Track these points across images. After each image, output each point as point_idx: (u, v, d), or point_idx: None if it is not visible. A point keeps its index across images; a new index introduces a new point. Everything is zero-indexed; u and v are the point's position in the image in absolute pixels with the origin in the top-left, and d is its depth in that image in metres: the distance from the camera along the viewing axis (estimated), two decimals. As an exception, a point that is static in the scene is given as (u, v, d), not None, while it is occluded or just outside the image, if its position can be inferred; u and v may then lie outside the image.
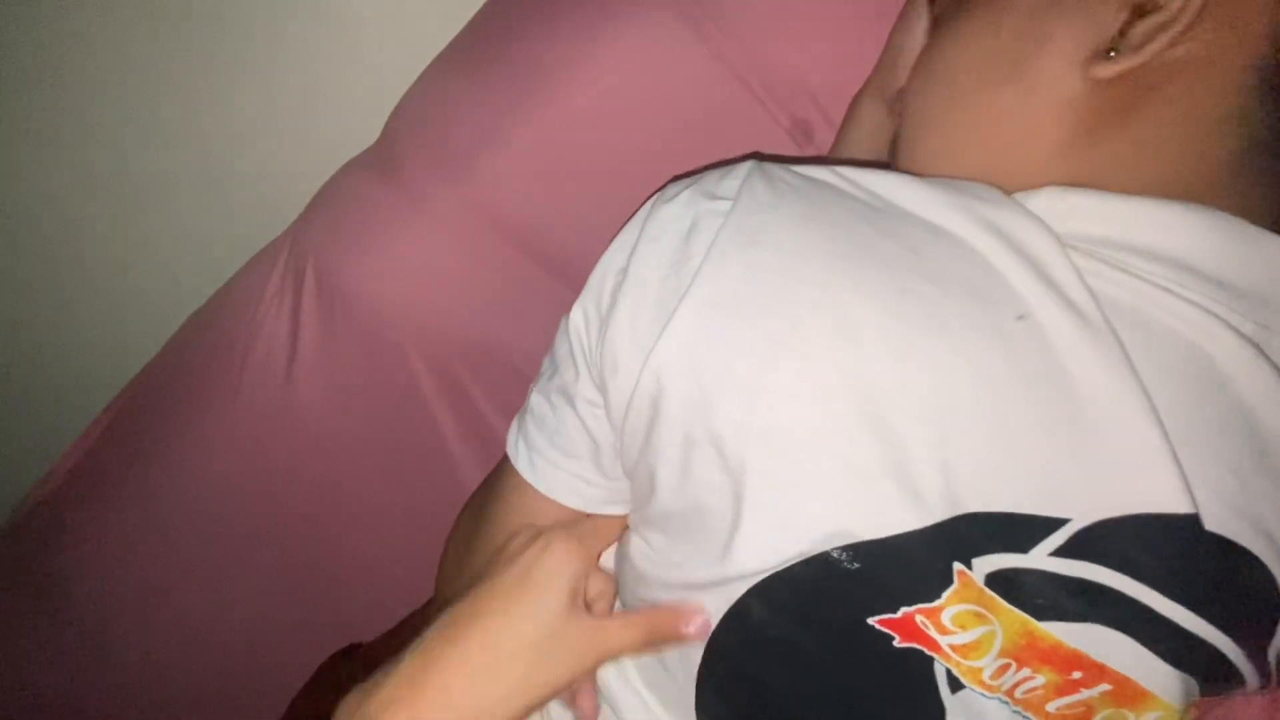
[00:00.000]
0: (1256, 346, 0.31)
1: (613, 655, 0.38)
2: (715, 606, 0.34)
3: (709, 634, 0.35)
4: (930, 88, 0.39)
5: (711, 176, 0.36)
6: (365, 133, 0.65)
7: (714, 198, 0.35)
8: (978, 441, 0.31)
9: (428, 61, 0.63)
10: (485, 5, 0.61)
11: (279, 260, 0.67)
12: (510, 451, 0.43)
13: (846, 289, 0.31)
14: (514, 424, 0.43)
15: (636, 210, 0.37)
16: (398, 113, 0.64)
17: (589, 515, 0.41)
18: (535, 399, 0.42)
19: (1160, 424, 0.30)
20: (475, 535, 0.46)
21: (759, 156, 0.37)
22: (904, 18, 0.46)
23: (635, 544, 0.39)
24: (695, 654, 0.36)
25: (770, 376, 0.32)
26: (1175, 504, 0.30)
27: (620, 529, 0.42)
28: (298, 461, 0.65)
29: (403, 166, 0.62)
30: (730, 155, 0.53)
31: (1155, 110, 0.32)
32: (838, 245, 0.32)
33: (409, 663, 0.35)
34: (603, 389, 0.37)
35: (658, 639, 0.37)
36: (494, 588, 0.37)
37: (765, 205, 0.33)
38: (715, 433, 0.32)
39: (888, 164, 0.39)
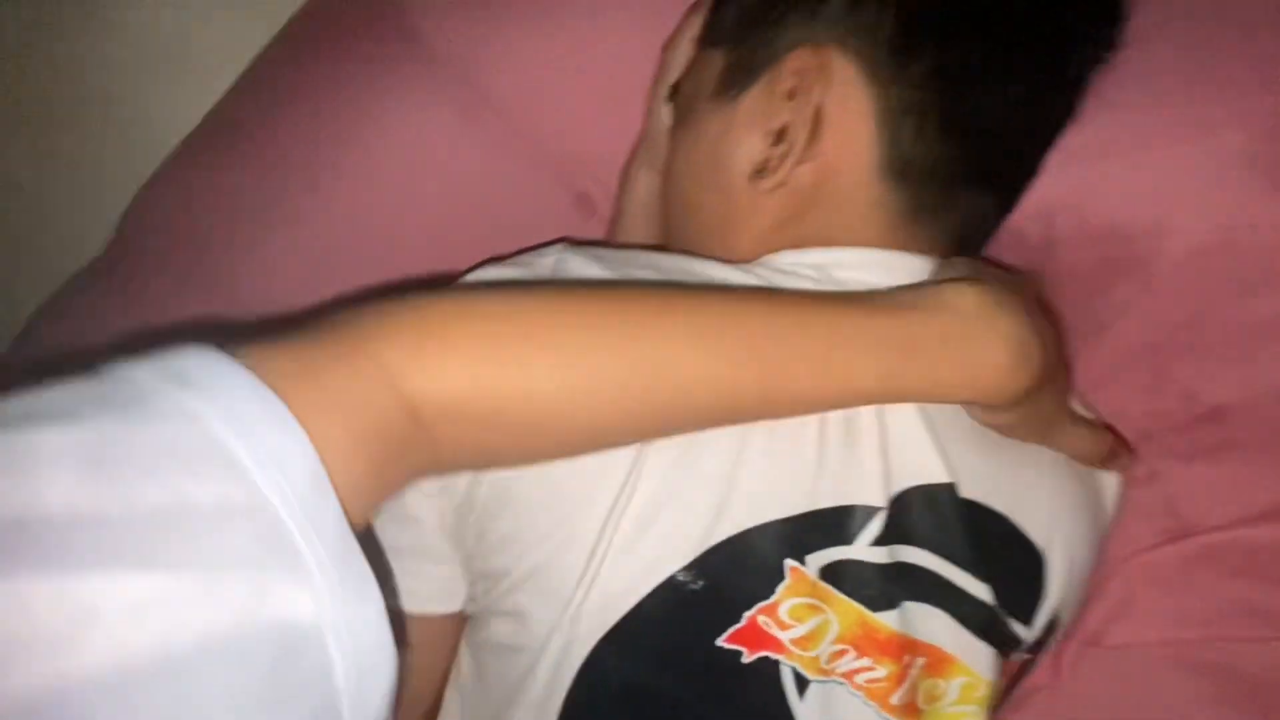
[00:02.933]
0: None
1: (1062, 445, 0.41)
2: (569, 665, 0.35)
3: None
4: (669, 197, 0.47)
5: (524, 256, 0.40)
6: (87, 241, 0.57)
7: (532, 263, 0.39)
8: (790, 447, 0.36)
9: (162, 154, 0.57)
10: (230, 92, 0.56)
11: None
12: None
13: None
14: None
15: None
16: (132, 213, 0.57)
17: None
18: None
19: (922, 413, 0.37)
20: None
21: (565, 240, 0.42)
22: (652, 103, 0.50)
23: (480, 635, 0.39)
24: None
25: None
26: (938, 474, 0.37)
27: None
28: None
29: (140, 275, 0.55)
30: (519, 230, 0.54)
31: (822, 199, 0.41)
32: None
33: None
34: None
35: (1106, 458, 0.43)
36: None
37: (584, 266, 0.38)
38: (563, 472, 0.35)
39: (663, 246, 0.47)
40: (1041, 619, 0.41)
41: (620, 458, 0.35)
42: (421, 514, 0.38)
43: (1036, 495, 0.40)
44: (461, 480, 0.37)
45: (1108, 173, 0.45)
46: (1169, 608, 0.47)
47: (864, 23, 0.39)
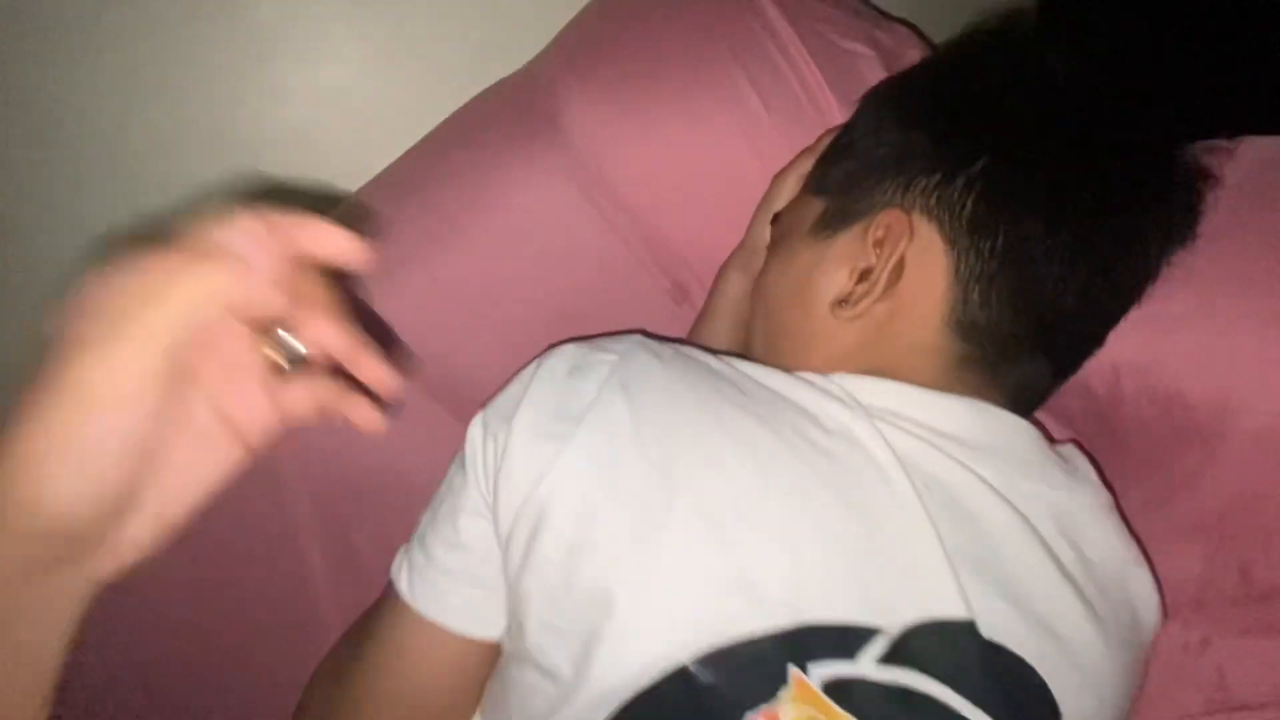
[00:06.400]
0: (996, 490, 0.41)
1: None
2: None
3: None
4: (756, 307, 0.52)
5: (600, 339, 0.44)
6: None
7: (603, 350, 0.43)
8: (813, 558, 0.38)
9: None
10: (404, 154, 0.65)
11: None
12: (394, 575, 0.44)
13: (710, 429, 0.39)
14: (399, 553, 0.45)
15: (530, 360, 0.43)
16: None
17: None
18: (422, 522, 0.44)
19: (942, 543, 0.38)
20: (349, 676, 0.45)
21: (644, 333, 0.47)
22: (756, 220, 0.56)
23: (511, 675, 0.41)
24: None
25: (651, 494, 0.38)
26: (957, 610, 0.38)
27: None
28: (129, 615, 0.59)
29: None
30: (615, 308, 0.59)
31: (891, 335, 0.45)
32: (701, 396, 0.41)
33: None
34: (493, 495, 0.41)
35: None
36: None
37: (646, 363, 0.42)
38: (596, 542, 0.38)
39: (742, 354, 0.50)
40: None
41: (632, 537, 0.37)
42: (472, 541, 0.42)
43: (1064, 646, 0.39)
44: (505, 520, 0.40)
45: (1178, 344, 0.46)
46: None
47: (947, 199, 0.44)
